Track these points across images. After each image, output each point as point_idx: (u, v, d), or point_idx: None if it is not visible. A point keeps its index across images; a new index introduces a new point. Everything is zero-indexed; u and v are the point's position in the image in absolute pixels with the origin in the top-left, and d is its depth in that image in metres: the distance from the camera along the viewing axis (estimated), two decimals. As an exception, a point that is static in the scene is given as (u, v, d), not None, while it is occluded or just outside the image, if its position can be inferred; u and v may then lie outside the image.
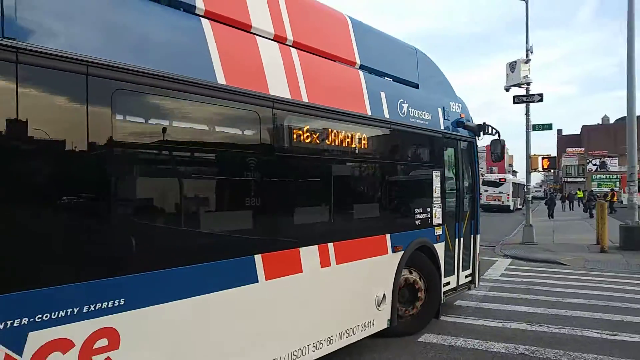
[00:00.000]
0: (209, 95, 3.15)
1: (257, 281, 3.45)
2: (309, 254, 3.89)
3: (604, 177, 58.11)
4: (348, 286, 4.37)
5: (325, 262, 4.07)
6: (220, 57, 3.22)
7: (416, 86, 5.62)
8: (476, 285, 6.88)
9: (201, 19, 3.20)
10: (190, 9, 3.19)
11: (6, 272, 2.24)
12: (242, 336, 3.37)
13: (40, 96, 2.37)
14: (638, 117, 13.66)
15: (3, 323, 2.19)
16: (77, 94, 2.47)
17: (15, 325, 2.23)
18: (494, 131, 7.15)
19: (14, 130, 2.26)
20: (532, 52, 15.66)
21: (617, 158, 56.40)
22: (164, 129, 2.96)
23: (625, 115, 13.84)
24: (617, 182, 39.81)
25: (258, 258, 3.45)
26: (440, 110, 5.94)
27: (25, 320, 2.27)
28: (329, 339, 4.15)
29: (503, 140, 7.07)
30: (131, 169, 2.82)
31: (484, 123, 6.90)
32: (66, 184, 2.51)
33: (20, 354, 2.25)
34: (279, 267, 3.62)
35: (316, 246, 3.97)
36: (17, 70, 2.25)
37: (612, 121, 66.63)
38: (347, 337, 4.35)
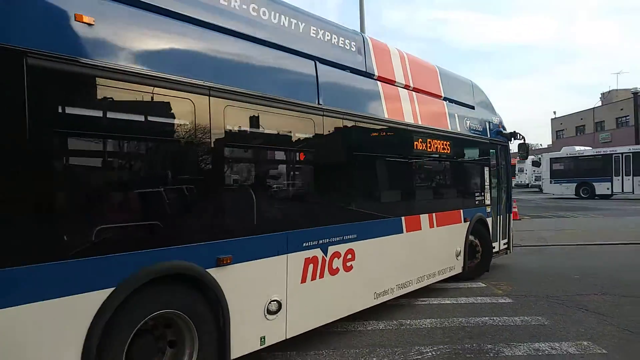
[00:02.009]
0: (381, 124, 5.56)
1: (402, 232, 5.85)
2: (424, 219, 6.29)
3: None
4: (442, 241, 6.78)
5: (431, 225, 6.46)
6: (385, 102, 5.62)
7: (472, 107, 8.02)
8: (511, 251, 9.28)
9: (377, 81, 5.61)
10: (371, 76, 5.59)
11: (323, 216, 4.65)
12: (392, 266, 5.74)
13: (328, 132, 4.77)
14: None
15: (322, 240, 4.59)
16: (341, 130, 4.87)
17: (325, 242, 4.63)
18: (521, 137, 9.59)
19: (318, 147, 4.66)
20: None
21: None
22: (366, 144, 5.38)
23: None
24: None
25: (403, 219, 5.85)
26: (487, 123, 8.34)
27: (327, 240, 4.66)
28: (432, 274, 6.55)
29: (528, 144, 9.49)
30: (355, 169, 5.22)
31: (515, 131, 9.32)
32: (346, 179, 4.95)
33: (326, 255, 4.65)
34: (411, 225, 6.01)
35: (427, 214, 6.37)
36: (323, 120, 4.64)
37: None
38: (441, 274, 6.76)
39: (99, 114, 3.07)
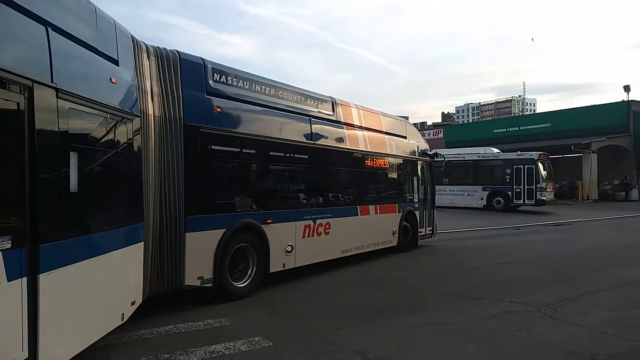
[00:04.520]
0: (345, 150, 9.40)
1: (357, 215, 9.67)
2: (372, 208, 10.15)
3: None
4: (382, 224, 10.65)
5: (375, 212, 10.32)
6: (347, 137, 9.46)
7: (405, 137, 12.00)
8: (435, 235, 13.24)
9: (342, 124, 9.46)
10: (339, 122, 9.43)
11: (313, 203, 8.43)
12: (351, 235, 9.52)
13: (317, 157, 8.55)
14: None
15: (313, 216, 8.34)
16: (323, 156, 8.68)
17: (314, 217, 8.38)
18: (441, 156, 13.76)
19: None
20: None
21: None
22: (337, 163, 9.21)
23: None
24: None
25: (357, 207, 9.68)
26: (416, 147, 12.36)
27: (315, 216, 8.42)
28: (377, 243, 10.39)
29: (447, 161, 13.66)
30: (331, 177, 9.05)
31: (436, 151, 13.44)
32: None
33: (314, 224, 8.39)
34: (363, 212, 9.85)
35: (373, 205, 10.24)
36: (315, 150, 8.43)
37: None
38: (383, 244, 10.61)
39: (227, 149, 6.78)
